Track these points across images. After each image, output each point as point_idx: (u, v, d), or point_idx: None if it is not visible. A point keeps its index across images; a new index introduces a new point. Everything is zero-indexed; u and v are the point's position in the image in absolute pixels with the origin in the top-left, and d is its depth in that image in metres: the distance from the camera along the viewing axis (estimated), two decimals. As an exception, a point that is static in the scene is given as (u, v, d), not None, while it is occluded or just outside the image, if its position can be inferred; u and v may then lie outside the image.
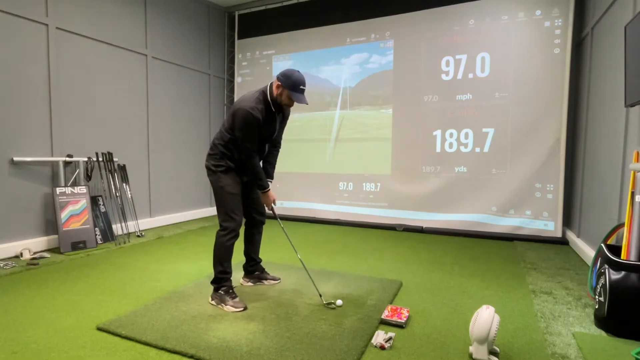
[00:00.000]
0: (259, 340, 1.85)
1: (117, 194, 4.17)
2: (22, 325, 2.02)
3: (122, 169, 4.31)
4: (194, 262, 3.25)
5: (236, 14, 5.78)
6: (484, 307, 1.72)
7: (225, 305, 2.22)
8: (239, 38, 5.77)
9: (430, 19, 4.53)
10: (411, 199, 4.71)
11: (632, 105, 2.33)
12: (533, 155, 4.11)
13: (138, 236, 4.21)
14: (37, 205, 3.55)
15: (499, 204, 4.27)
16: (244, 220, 2.51)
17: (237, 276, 2.65)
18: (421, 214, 4.65)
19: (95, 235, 3.77)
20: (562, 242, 3.95)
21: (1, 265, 3.06)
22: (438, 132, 4.53)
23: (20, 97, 3.40)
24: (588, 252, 3.26)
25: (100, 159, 4.06)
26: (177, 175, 5.15)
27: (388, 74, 4.80)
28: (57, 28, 3.63)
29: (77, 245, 3.59)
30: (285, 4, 5.40)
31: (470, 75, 4.34)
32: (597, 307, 2.09)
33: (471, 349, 1.71)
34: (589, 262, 3.03)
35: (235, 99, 5.63)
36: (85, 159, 3.90)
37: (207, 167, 2.37)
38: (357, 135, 5.02)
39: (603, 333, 1.99)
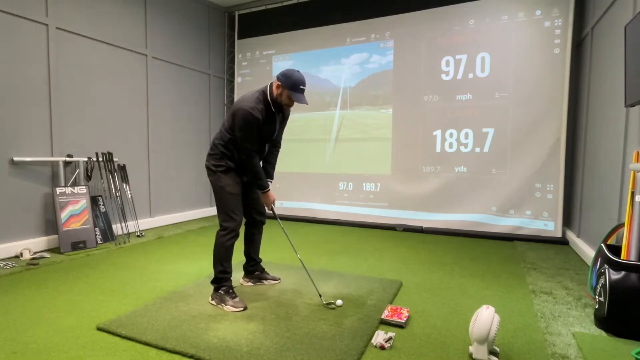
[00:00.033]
0: (259, 340, 1.85)
1: (117, 194, 4.17)
2: (22, 325, 2.02)
3: (122, 169, 4.31)
4: (194, 262, 3.25)
5: (236, 14, 5.78)
6: (484, 307, 1.72)
7: (225, 305, 2.22)
8: (239, 38, 5.77)
9: (430, 19, 4.53)
10: (411, 199, 4.71)
11: (632, 105, 2.33)
12: (533, 155, 4.11)
13: (138, 236, 4.21)
14: (37, 205, 3.55)
15: (499, 204, 4.27)
16: (244, 220, 2.51)
17: (237, 276, 2.65)
18: (421, 214, 4.65)
19: (95, 235, 3.77)
20: (562, 242, 3.95)
21: (1, 265, 3.06)
22: (438, 132, 4.53)
23: (20, 97, 3.40)
24: (588, 252, 3.26)
25: (100, 159, 4.06)
26: (177, 175, 5.15)
27: (388, 74, 4.80)
28: (57, 28, 3.63)
29: (77, 245, 3.59)
30: (285, 4, 5.40)
31: (470, 75, 4.34)
32: (597, 307, 2.09)
33: (471, 349, 1.71)
34: (589, 262, 3.03)
35: (235, 99, 5.63)
36: (85, 159, 3.90)
37: (207, 167, 2.37)
38: (357, 135, 5.02)
39: (603, 333, 1.99)
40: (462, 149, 4.42)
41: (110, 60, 4.18)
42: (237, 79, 5.81)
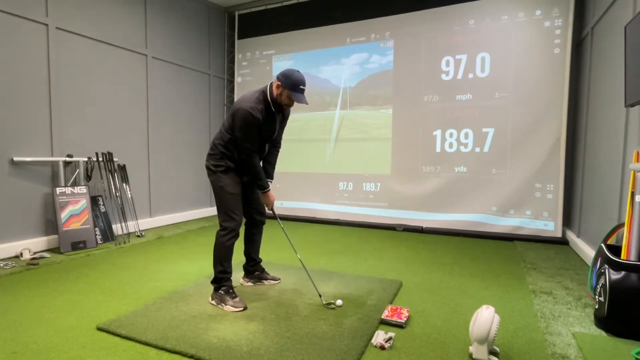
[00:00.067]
0: (259, 340, 1.85)
1: (117, 194, 4.17)
2: (22, 325, 2.02)
3: (122, 169, 4.31)
4: (194, 262, 3.25)
5: (236, 14, 5.78)
6: (484, 307, 1.72)
7: (225, 305, 2.22)
8: (239, 38, 5.77)
9: (430, 19, 4.53)
10: (411, 199, 4.71)
11: (632, 105, 2.33)
12: (533, 155, 4.11)
13: (138, 236, 4.21)
14: (37, 205, 3.55)
15: (499, 204, 4.27)
16: (244, 220, 2.51)
17: (237, 276, 2.65)
18: (421, 214, 4.65)
19: (95, 235, 3.77)
20: (562, 242, 3.95)
21: (1, 265, 3.06)
22: (438, 132, 4.54)
23: (20, 97, 3.40)
24: (588, 252, 3.26)
25: (100, 159, 4.06)
26: (177, 175, 5.15)
27: (388, 74, 4.80)
28: (57, 28, 3.63)
29: (77, 245, 3.59)
30: (285, 4, 5.40)
31: (470, 75, 4.34)
32: (597, 307, 2.09)
33: (471, 349, 1.71)
34: (589, 262, 3.03)
35: (235, 99, 5.63)
36: (85, 159, 3.90)
37: (207, 167, 2.37)
38: (357, 135, 5.02)
39: (603, 333, 1.99)
40: (462, 149, 4.42)
41: (110, 60, 4.18)
42: (237, 79, 5.81)
